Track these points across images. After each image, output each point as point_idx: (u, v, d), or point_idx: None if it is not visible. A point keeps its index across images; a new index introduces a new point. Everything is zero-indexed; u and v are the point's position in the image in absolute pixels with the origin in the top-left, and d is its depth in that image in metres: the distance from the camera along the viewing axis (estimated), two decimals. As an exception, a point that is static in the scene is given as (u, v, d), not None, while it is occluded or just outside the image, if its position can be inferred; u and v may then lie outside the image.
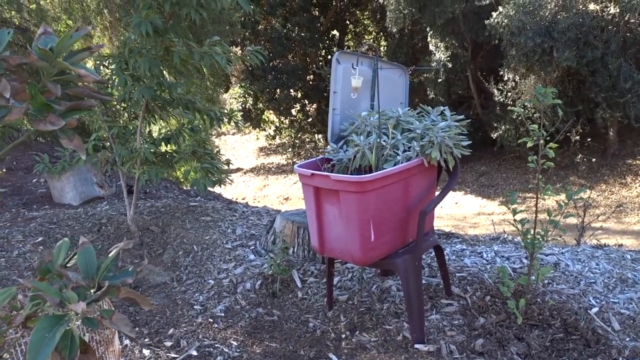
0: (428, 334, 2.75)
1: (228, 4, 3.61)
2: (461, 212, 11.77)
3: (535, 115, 11.34)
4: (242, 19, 14.10)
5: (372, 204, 2.50)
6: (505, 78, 12.34)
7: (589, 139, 12.42)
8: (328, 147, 3.05)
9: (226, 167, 4.55)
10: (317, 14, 18.05)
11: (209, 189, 4.74)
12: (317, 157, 2.99)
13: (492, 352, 2.59)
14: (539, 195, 2.80)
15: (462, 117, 2.86)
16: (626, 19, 10.85)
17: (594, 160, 12.24)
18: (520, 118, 11.60)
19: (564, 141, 12.20)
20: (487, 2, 12.06)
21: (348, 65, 3.09)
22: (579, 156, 12.24)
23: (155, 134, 4.69)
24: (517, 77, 12.07)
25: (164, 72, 3.96)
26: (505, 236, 4.54)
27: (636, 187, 11.56)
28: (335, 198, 2.58)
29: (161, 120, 4.36)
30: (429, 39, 13.89)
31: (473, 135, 12.72)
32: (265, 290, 3.41)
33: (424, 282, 3.25)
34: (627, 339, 2.64)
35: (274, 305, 3.26)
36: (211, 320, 3.10)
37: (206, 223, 4.60)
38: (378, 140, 2.75)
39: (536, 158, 2.72)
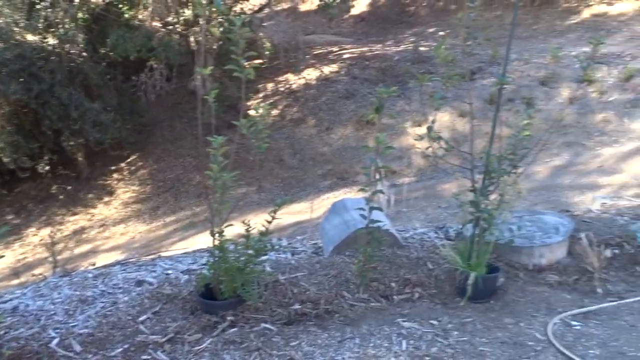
0: None
1: None
2: None
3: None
4: None
5: None
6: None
7: (60, 167, 12.53)
8: None
9: None
10: None
11: None
12: None
13: None
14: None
15: None
16: (66, 49, 11.40)
17: (69, 187, 12.46)
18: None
19: (35, 175, 11.92)
20: None
21: None
22: (54, 187, 12.21)
23: None
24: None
25: None
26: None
27: (113, 203, 12.50)
28: None
29: None
30: None
31: None
32: None
33: None
34: (90, 355, 2.73)
35: None
36: None
37: None
38: None
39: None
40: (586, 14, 15.67)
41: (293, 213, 10.33)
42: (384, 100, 2.88)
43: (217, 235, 2.97)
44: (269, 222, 3.07)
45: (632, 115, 11.12)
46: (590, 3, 15.90)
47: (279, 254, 3.87)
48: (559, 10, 16.27)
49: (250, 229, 3.03)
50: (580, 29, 14.72)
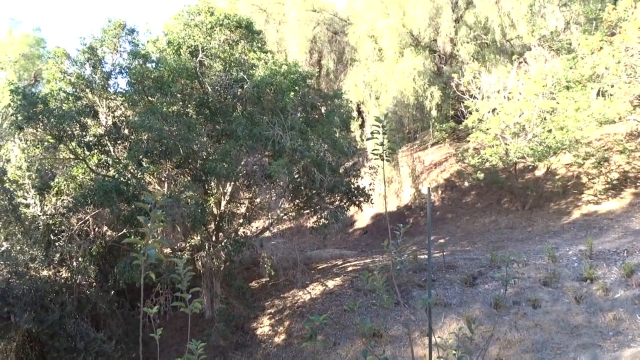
0: None
1: None
2: None
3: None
4: None
5: None
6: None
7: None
8: None
9: None
10: None
11: None
12: None
13: None
14: None
15: None
16: (78, 281, 11.98)
17: None
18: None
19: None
20: None
21: None
22: None
23: None
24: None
25: None
26: None
27: None
28: None
29: None
30: None
31: None
32: None
33: None
34: None
35: None
36: None
37: None
38: None
39: None
40: (577, 214, 16.34)
41: None
42: (316, 327, 3.04)
43: None
44: None
45: (643, 311, 10.82)
46: (579, 204, 16.71)
47: None
48: (550, 212, 17.02)
49: None
50: (573, 228, 15.22)
